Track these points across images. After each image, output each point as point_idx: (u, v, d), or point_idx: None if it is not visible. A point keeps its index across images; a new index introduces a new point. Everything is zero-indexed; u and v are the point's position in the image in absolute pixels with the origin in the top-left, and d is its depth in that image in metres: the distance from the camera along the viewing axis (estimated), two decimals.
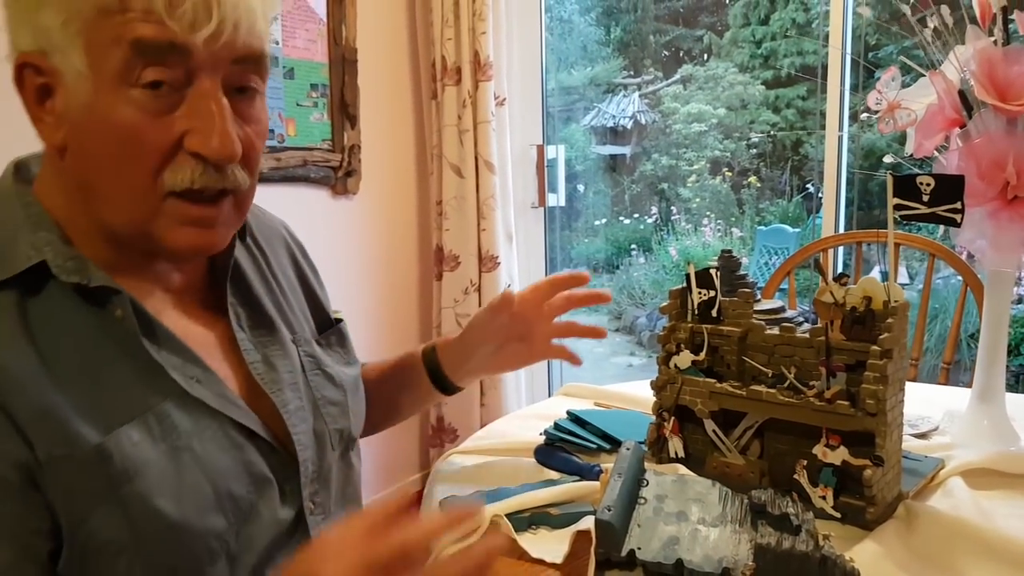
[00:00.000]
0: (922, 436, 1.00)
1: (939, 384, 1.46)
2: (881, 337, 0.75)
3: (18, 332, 0.59)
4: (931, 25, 0.94)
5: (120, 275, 0.64)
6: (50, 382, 0.59)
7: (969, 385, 1.01)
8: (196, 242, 0.65)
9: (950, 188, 0.76)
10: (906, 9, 0.99)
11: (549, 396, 2.67)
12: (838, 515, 0.77)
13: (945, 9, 0.95)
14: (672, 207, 7.28)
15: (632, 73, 8.02)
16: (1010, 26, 0.92)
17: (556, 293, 0.96)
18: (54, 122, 0.62)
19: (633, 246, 6.89)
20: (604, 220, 7.44)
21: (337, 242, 2.38)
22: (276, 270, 0.82)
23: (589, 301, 0.98)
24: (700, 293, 0.90)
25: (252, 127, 0.65)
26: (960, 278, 1.56)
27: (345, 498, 0.81)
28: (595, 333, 1.00)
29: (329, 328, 0.86)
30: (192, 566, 0.63)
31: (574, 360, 0.99)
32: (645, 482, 0.76)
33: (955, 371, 1.58)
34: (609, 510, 0.68)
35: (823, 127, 2.31)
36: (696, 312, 0.91)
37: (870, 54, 4.79)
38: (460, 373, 0.97)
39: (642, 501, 0.73)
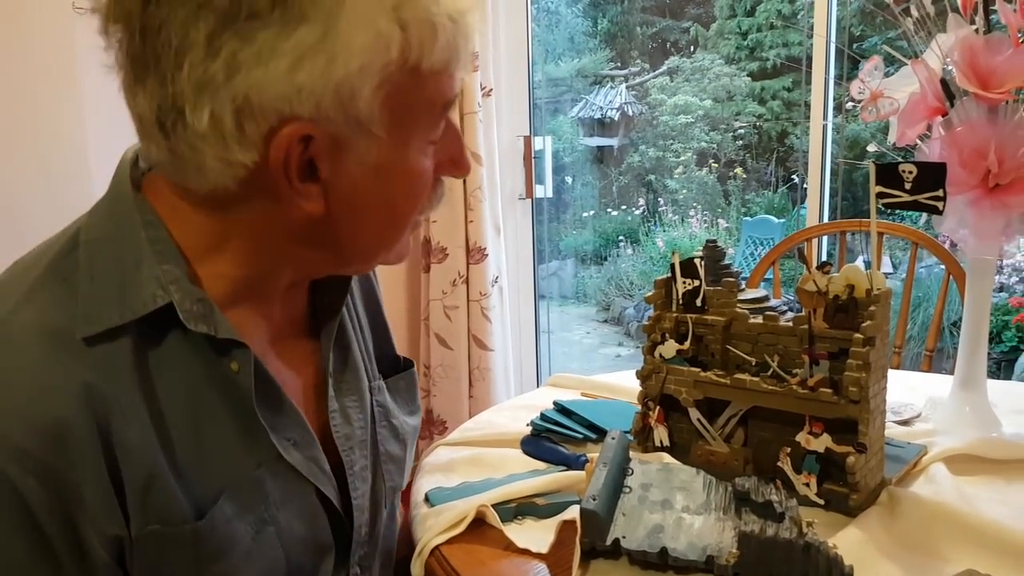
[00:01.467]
0: (905, 423, 1.01)
1: (922, 371, 1.48)
2: (864, 325, 0.75)
3: (135, 389, 0.54)
4: (914, 14, 0.94)
5: (235, 309, 0.60)
6: (160, 446, 0.55)
7: (951, 372, 1.02)
8: (410, 248, 0.67)
9: (932, 176, 0.77)
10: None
11: (538, 387, 2.67)
12: (821, 502, 0.78)
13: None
14: (659, 198, 7.31)
15: (619, 65, 8.03)
16: (991, 15, 0.92)
17: None
18: (317, 191, 0.56)
19: (621, 237, 6.91)
20: (592, 212, 7.45)
21: None
22: (359, 306, 0.78)
23: None
24: (685, 283, 0.90)
25: None
26: (943, 267, 1.57)
27: (388, 556, 0.79)
28: None
29: (396, 370, 0.80)
30: None
31: None
32: (630, 471, 0.76)
33: (938, 358, 1.60)
34: (594, 499, 0.68)
35: (808, 118, 2.32)
36: (681, 301, 0.91)
37: (855, 45, 4.82)
38: None
39: (627, 490, 0.74)
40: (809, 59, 2.29)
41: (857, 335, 0.75)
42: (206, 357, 0.57)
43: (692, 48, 7.87)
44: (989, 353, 0.99)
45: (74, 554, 0.52)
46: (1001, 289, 3.81)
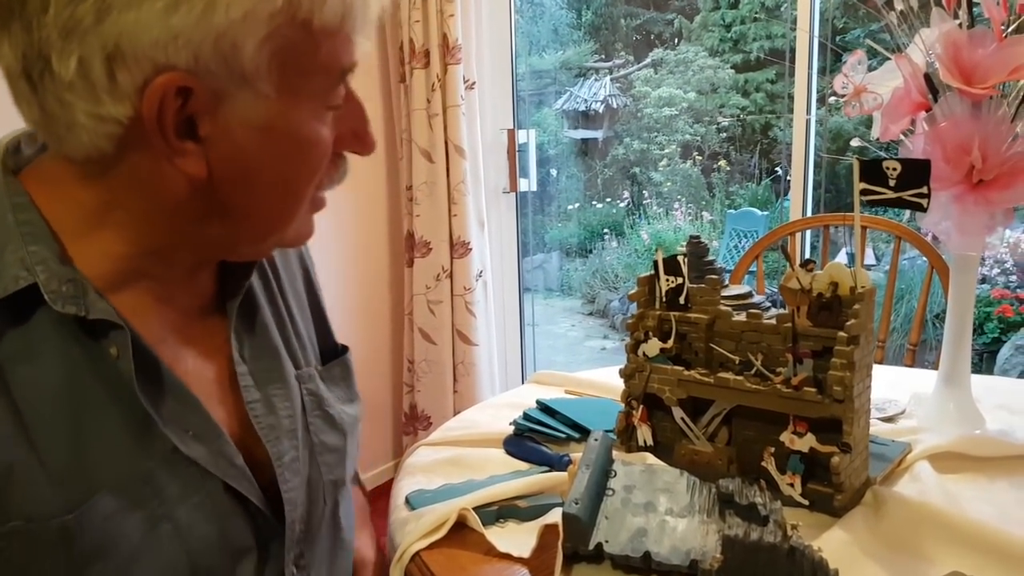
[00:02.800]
0: (889, 420, 1.00)
1: (905, 365, 1.48)
2: (848, 323, 0.75)
3: None
4: (897, 8, 0.94)
5: (125, 291, 0.56)
6: (20, 436, 0.50)
7: (935, 364, 1.01)
8: (313, 228, 0.63)
9: (916, 173, 0.76)
10: None
11: (523, 381, 2.66)
12: (806, 502, 0.77)
13: None
14: (644, 191, 7.31)
15: (603, 57, 8.01)
16: (974, 9, 0.91)
17: None
18: (196, 151, 0.52)
19: (606, 230, 6.91)
20: (577, 204, 7.45)
21: None
22: (287, 290, 0.74)
23: None
24: (668, 280, 0.89)
25: None
26: (926, 259, 1.57)
27: (333, 555, 0.73)
28: None
29: (333, 358, 0.77)
30: None
31: None
32: (613, 473, 0.75)
33: (921, 350, 1.60)
34: (576, 503, 0.67)
35: (791, 110, 2.31)
36: (664, 299, 0.90)
37: (838, 38, 4.83)
38: None
39: (610, 492, 0.73)
40: (792, 52, 2.29)
41: (841, 333, 0.75)
42: (83, 343, 0.53)
43: (676, 40, 7.86)
44: (972, 345, 0.98)
45: None
46: (983, 281, 3.84)
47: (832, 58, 2.38)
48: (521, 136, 2.73)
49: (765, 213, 6.09)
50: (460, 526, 0.78)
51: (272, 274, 0.72)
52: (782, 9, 6.95)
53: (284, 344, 0.70)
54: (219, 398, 0.62)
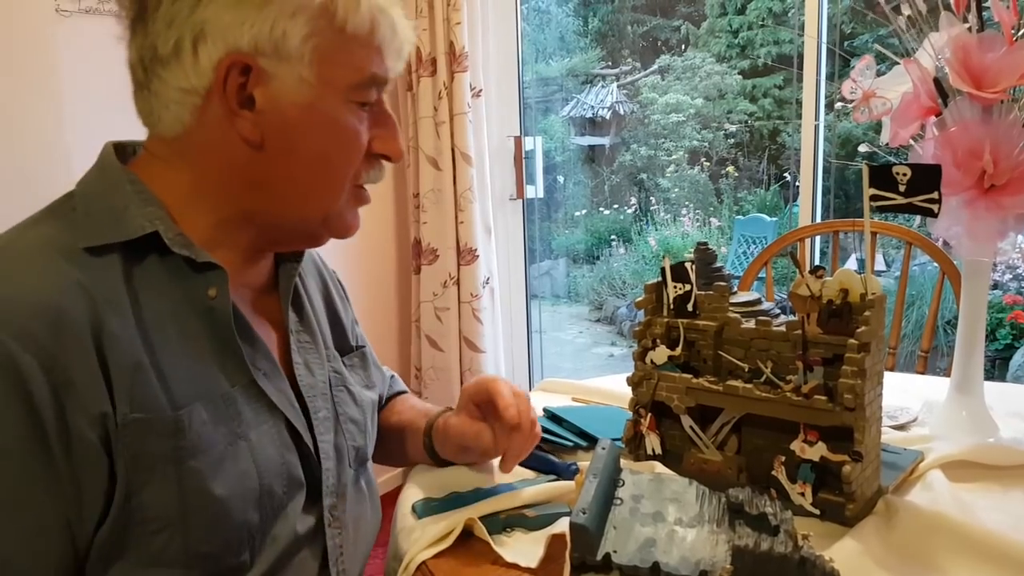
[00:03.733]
0: (901, 428, 0.99)
1: (917, 372, 1.47)
2: (859, 331, 0.74)
3: (122, 293, 0.62)
4: (905, 12, 0.93)
5: (213, 255, 0.68)
6: (143, 345, 0.62)
7: (946, 371, 1.00)
8: (358, 223, 0.77)
9: (927, 178, 0.75)
10: None
11: (530, 390, 2.65)
12: (817, 512, 0.76)
13: None
14: (651, 197, 7.29)
15: (610, 64, 8.01)
16: (984, 12, 0.91)
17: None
18: (253, 118, 0.66)
19: (613, 237, 6.89)
20: (584, 211, 7.44)
21: None
22: (311, 292, 0.86)
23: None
24: (676, 287, 0.88)
25: None
26: (936, 264, 1.56)
27: (363, 522, 0.82)
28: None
29: (350, 352, 0.89)
30: (222, 553, 0.64)
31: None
32: (621, 482, 0.74)
33: (932, 357, 1.59)
34: (584, 512, 0.66)
35: (800, 116, 2.30)
36: (672, 306, 0.89)
37: (846, 43, 4.82)
38: (454, 458, 0.91)
39: (618, 502, 0.72)
40: (800, 57, 2.28)
41: (852, 341, 0.74)
42: (187, 283, 0.66)
43: (683, 47, 7.85)
44: (984, 352, 0.97)
45: (62, 437, 0.58)
46: (995, 286, 3.81)
47: (840, 64, 2.37)
48: (528, 143, 2.73)
49: (774, 219, 6.07)
50: (467, 535, 0.77)
51: (302, 283, 0.84)
52: (789, 15, 6.94)
53: (318, 327, 0.83)
54: (276, 359, 0.74)
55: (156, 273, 0.65)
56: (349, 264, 2.52)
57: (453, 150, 2.47)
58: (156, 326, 0.64)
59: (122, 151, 0.72)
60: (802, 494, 0.76)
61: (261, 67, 0.64)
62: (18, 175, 1.58)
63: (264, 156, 0.67)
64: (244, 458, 0.66)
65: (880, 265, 4.26)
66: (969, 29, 0.88)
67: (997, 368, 3.54)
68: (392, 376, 1.04)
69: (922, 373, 1.52)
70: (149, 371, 0.62)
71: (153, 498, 0.61)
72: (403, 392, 1.04)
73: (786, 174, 6.59)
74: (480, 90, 2.49)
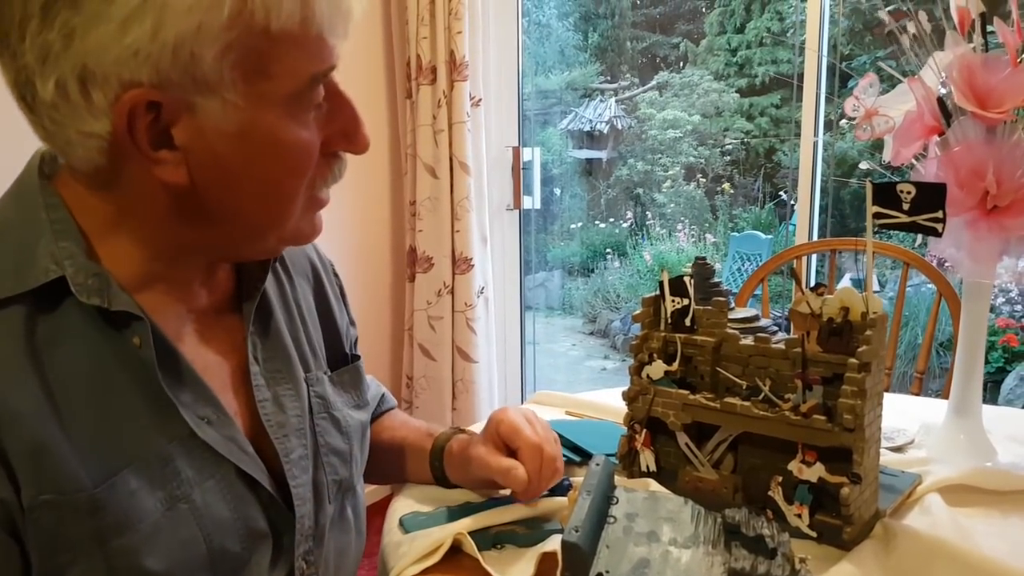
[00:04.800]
0: (898, 449, 0.98)
1: (912, 394, 1.46)
2: (860, 350, 0.72)
3: (24, 358, 0.54)
4: (910, 31, 0.92)
5: (146, 291, 0.60)
6: (52, 415, 0.54)
7: (940, 393, 0.99)
8: (319, 226, 0.65)
9: (931, 196, 0.74)
10: (884, 15, 0.97)
11: (522, 400, 2.63)
12: (814, 534, 0.74)
13: (923, 15, 0.93)
14: (647, 212, 7.31)
15: (609, 78, 8.04)
16: (989, 33, 0.90)
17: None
18: (175, 159, 0.55)
19: (608, 250, 6.89)
20: (580, 224, 7.44)
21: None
22: (299, 297, 0.78)
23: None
24: (673, 301, 0.87)
25: None
26: (931, 286, 1.55)
27: (346, 554, 0.76)
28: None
29: (344, 365, 0.81)
30: None
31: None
32: (615, 500, 0.73)
33: (925, 379, 1.58)
34: (576, 531, 0.64)
35: (798, 135, 2.30)
36: (669, 321, 0.88)
37: (844, 64, 4.84)
38: (462, 482, 0.87)
39: (611, 520, 0.70)
40: (799, 76, 2.28)
41: (852, 360, 0.73)
42: (108, 333, 0.57)
43: (682, 64, 7.90)
44: None
45: None
46: (990, 309, 3.82)
47: (839, 83, 2.37)
48: (526, 154, 2.72)
49: (769, 237, 6.08)
50: (455, 551, 0.75)
51: (288, 284, 0.76)
52: (788, 35, 6.98)
53: (296, 348, 0.73)
54: (233, 393, 0.67)
55: (72, 322, 0.56)
56: (343, 270, 2.49)
57: (451, 159, 2.46)
58: (70, 389, 0.55)
59: (53, 159, 0.62)
60: (799, 516, 0.75)
61: (173, 99, 0.53)
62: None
63: (197, 193, 0.57)
64: (186, 524, 0.59)
65: (875, 286, 4.26)
66: (974, 49, 0.88)
67: (989, 391, 3.54)
68: (383, 394, 0.98)
69: (917, 394, 1.51)
70: (60, 446, 0.54)
71: None
72: (392, 408, 0.98)
73: (781, 192, 6.61)
74: (479, 99, 2.48)
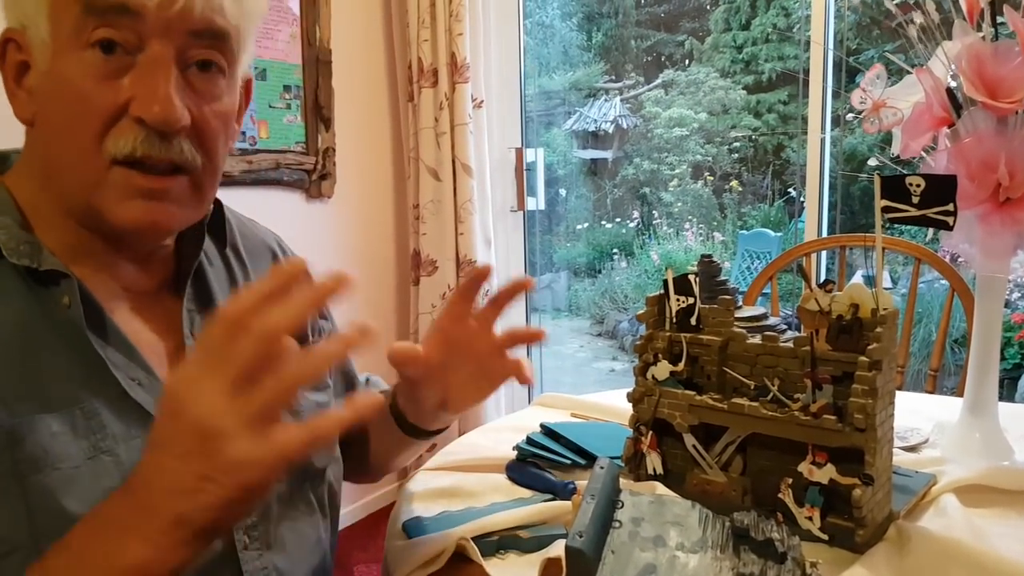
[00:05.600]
0: (912, 449, 0.96)
1: (926, 392, 1.43)
2: (870, 348, 0.71)
3: None
4: (918, 21, 0.90)
5: (78, 266, 0.62)
6: None
7: (954, 391, 0.97)
8: (144, 217, 0.62)
9: (941, 189, 0.72)
10: (891, 6, 0.95)
11: (529, 402, 2.61)
12: (825, 537, 0.72)
13: (930, 5, 0.91)
14: (654, 211, 7.28)
15: (613, 78, 8.03)
16: (999, 23, 0.88)
17: (470, 306, 0.79)
18: (26, 97, 0.62)
19: (615, 250, 6.88)
20: (586, 224, 7.43)
21: (311, 246, 2.32)
22: (252, 280, 0.78)
23: (514, 292, 0.78)
24: (679, 300, 0.85)
25: (210, 105, 0.64)
26: (944, 282, 1.53)
27: (305, 538, 0.74)
28: (536, 335, 0.80)
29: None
30: None
31: (523, 377, 0.78)
32: (620, 504, 0.71)
33: (939, 376, 1.55)
34: (580, 536, 0.63)
35: (805, 131, 2.28)
36: (675, 320, 0.86)
37: (851, 58, 4.80)
38: (420, 417, 0.83)
39: (616, 525, 0.68)
40: (805, 72, 2.26)
41: (862, 358, 0.71)
42: (40, 293, 0.60)
43: (687, 61, 7.87)
44: None
45: None
46: (1005, 304, 3.78)
47: (846, 78, 2.35)
48: (529, 155, 2.71)
49: (778, 234, 6.05)
50: (458, 557, 0.74)
51: (240, 272, 0.78)
52: (794, 30, 6.95)
53: None
54: (169, 369, 0.67)
55: (5, 284, 0.60)
56: None
57: (454, 161, 2.45)
58: None
59: (6, 158, 0.68)
60: (810, 518, 0.73)
61: (27, 40, 0.61)
62: None
63: (37, 135, 0.63)
64: (108, 475, 0.59)
65: (887, 282, 4.22)
66: (984, 38, 0.86)
67: (1005, 388, 3.50)
68: (368, 378, 0.95)
69: (931, 392, 1.48)
70: None
71: None
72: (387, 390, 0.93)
73: (790, 189, 6.57)
74: (481, 101, 2.47)
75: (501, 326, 0.80)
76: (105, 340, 0.62)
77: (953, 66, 0.87)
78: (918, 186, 0.73)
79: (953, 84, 0.88)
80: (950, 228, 0.73)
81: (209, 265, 0.75)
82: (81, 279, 0.61)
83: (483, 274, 0.79)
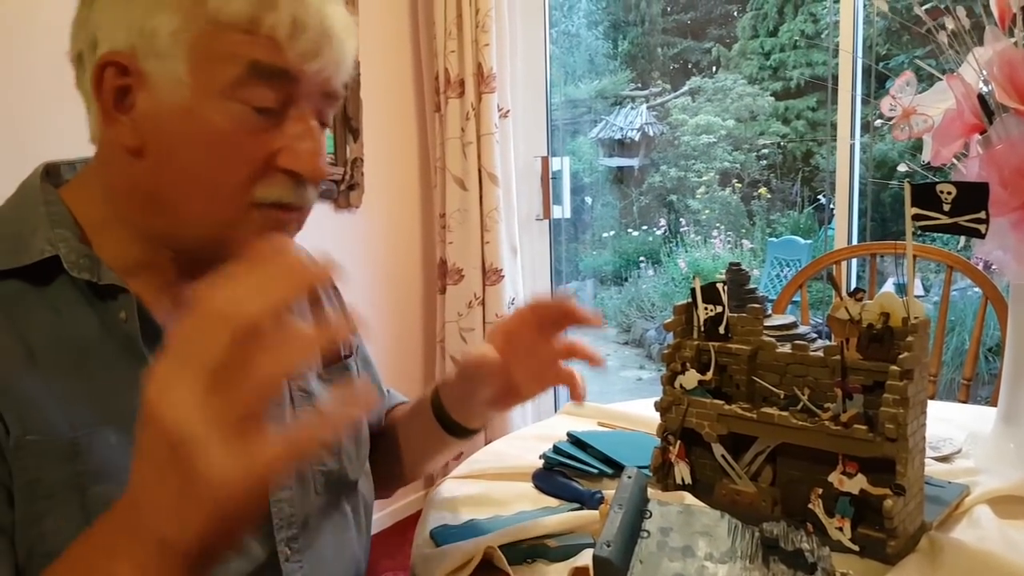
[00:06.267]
0: (944, 459, 0.94)
1: (959, 401, 1.41)
2: (901, 356, 0.70)
3: (8, 320, 0.59)
4: (948, 27, 0.90)
5: (133, 278, 0.64)
6: (34, 369, 0.58)
7: (989, 400, 0.96)
8: None
9: (973, 196, 0.71)
10: (920, 12, 0.94)
11: (555, 411, 2.61)
12: (856, 548, 0.72)
13: (960, 11, 0.90)
14: (681, 219, 7.24)
15: (640, 86, 8.01)
16: None
17: (541, 317, 0.81)
18: (132, 124, 0.61)
19: (642, 258, 6.85)
20: (612, 232, 7.41)
21: (339, 256, 2.33)
22: None
23: (585, 321, 0.82)
24: (707, 309, 0.85)
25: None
26: (978, 290, 1.50)
27: (342, 549, 0.76)
28: (596, 360, 0.83)
29: (336, 363, 0.82)
30: None
31: (577, 392, 0.82)
32: (648, 513, 0.71)
33: (973, 385, 1.52)
34: (608, 545, 0.63)
35: (834, 137, 2.26)
36: (702, 329, 0.86)
37: (880, 64, 4.75)
38: (465, 415, 0.85)
39: (645, 535, 0.68)
40: (834, 78, 2.24)
41: (893, 367, 0.70)
42: (99, 308, 0.62)
43: (714, 68, 7.83)
44: None
45: None
46: None
47: (876, 84, 2.33)
48: (555, 164, 2.71)
49: (808, 242, 5.98)
50: (486, 564, 0.74)
51: None
52: (823, 36, 6.89)
53: None
54: None
55: (67, 297, 0.61)
56: (375, 283, 2.52)
57: (480, 170, 2.46)
58: (52, 351, 0.59)
59: (57, 171, 0.69)
60: (840, 529, 0.72)
61: (140, 68, 0.59)
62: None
63: (147, 166, 0.62)
64: None
65: (918, 290, 4.16)
66: (1015, 43, 0.85)
67: None
68: (388, 390, 0.98)
69: (964, 402, 1.46)
70: (41, 395, 0.57)
71: (55, 528, 0.56)
72: (403, 403, 0.98)
73: (820, 196, 6.50)
74: (508, 111, 2.49)
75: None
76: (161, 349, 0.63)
77: (984, 72, 0.86)
78: (949, 193, 0.73)
79: (985, 90, 0.87)
80: (982, 236, 0.72)
81: None
82: (138, 294, 0.63)
83: (570, 311, 0.80)
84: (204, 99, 0.60)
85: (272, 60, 0.60)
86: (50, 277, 0.61)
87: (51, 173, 0.68)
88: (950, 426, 1.04)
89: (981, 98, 0.86)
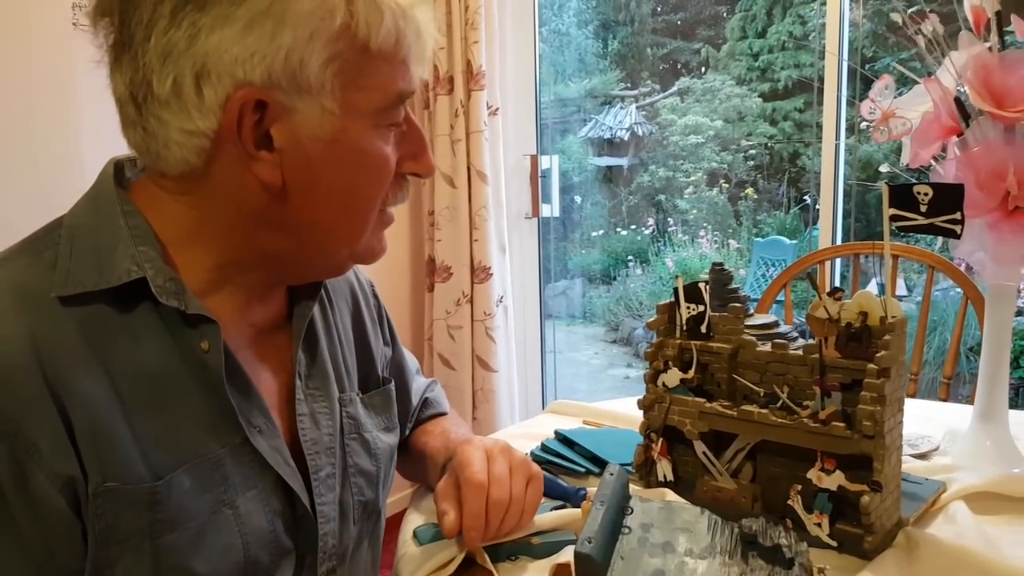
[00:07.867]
0: (922, 456, 0.96)
1: (939, 400, 1.43)
2: (878, 355, 0.71)
3: (96, 349, 0.57)
4: (927, 30, 0.91)
5: (209, 299, 0.62)
6: (117, 405, 0.56)
7: (969, 399, 0.97)
8: (386, 245, 0.69)
9: (949, 198, 0.73)
10: (897, 17, 0.95)
11: (543, 408, 2.62)
12: (834, 544, 0.73)
13: (934, 16, 0.91)
14: (669, 218, 7.27)
15: (629, 85, 8.02)
16: (1006, 34, 0.88)
17: None
18: (272, 160, 0.59)
19: (630, 257, 6.86)
20: (601, 231, 7.42)
21: None
22: (339, 319, 0.79)
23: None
24: (689, 308, 0.86)
25: None
26: (960, 290, 1.52)
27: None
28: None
29: (376, 388, 0.82)
30: None
31: None
32: (629, 510, 0.72)
33: (954, 384, 1.54)
34: (589, 542, 0.64)
35: (820, 139, 2.28)
36: (685, 328, 0.87)
37: (867, 66, 4.79)
38: None
39: (626, 531, 0.69)
40: (821, 80, 2.26)
41: (871, 366, 0.71)
42: (178, 334, 0.60)
43: (703, 69, 7.86)
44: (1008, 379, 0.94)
45: (27, 504, 0.53)
46: (1019, 313, 3.73)
47: (862, 86, 2.35)
48: (544, 162, 2.72)
49: (794, 242, 6.01)
50: (469, 563, 0.75)
51: (329, 305, 0.78)
52: (810, 38, 6.93)
53: (333, 368, 0.75)
54: (277, 409, 0.68)
55: (146, 321, 0.59)
56: None
57: (469, 168, 2.47)
58: (134, 384, 0.57)
59: (121, 170, 0.65)
60: (819, 525, 0.74)
61: (278, 102, 0.56)
62: (35, 186, 1.60)
63: (285, 197, 0.60)
64: (228, 529, 0.60)
65: (901, 290, 4.19)
66: (990, 48, 0.86)
67: (1020, 396, 3.45)
68: (426, 399, 0.96)
69: (944, 400, 1.48)
70: (123, 436, 0.56)
71: (124, 573, 0.56)
72: (440, 414, 0.96)
73: (806, 197, 6.54)
74: (497, 108, 2.49)
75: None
76: (235, 385, 0.62)
77: (960, 75, 0.87)
78: (926, 195, 0.74)
79: (961, 93, 0.89)
80: (958, 236, 0.73)
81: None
82: (215, 312, 0.60)
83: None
84: (354, 126, 0.60)
85: (411, 85, 0.62)
86: (135, 301, 0.58)
87: (119, 171, 0.64)
88: (929, 424, 1.06)
89: (958, 101, 0.88)
